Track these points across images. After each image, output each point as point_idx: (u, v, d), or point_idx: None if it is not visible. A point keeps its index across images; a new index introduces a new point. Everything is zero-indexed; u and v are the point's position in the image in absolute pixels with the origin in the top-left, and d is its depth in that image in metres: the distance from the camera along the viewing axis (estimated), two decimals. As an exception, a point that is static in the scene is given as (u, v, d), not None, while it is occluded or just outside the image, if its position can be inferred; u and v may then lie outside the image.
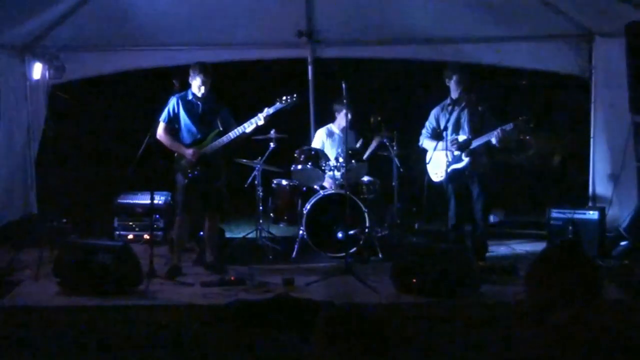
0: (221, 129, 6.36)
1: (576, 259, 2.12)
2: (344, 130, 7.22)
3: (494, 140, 6.28)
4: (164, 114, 6.33)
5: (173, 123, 6.37)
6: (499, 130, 6.21)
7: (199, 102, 6.34)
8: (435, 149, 6.43)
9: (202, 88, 6.26)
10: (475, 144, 6.37)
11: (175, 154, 6.39)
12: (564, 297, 2.05)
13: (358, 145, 7.31)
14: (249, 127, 6.23)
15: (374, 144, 7.31)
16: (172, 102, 6.32)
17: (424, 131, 6.73)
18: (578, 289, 2.06)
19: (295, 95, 6.35)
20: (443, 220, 6.53)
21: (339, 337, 1.82)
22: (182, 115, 6.34)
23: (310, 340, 1.92)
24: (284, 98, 6.30)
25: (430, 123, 6.69)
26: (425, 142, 6.68)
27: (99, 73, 8.33)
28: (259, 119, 6.22)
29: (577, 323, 2.02)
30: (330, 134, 7.40)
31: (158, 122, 6.31)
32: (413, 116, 7.65)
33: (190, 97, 6.34)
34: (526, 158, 11.99)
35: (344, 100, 6.43)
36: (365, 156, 7.11)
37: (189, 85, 6.35)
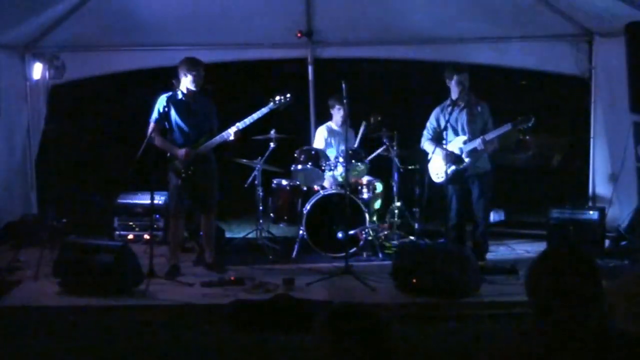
0: (214, 128, 6.31)
1: (576, 259, 2.12)
2: (342, 126, 7.23)
3: (478, 148, 6.29)
4: (154, 114, 6.21)
5: (163, 122, 6.24)
6: (480, 139, 6.24)
7: (189, 101, 6.23)
8: (434, 152, 6.45)
9: (195, 84, 6.15)
10: (464, 149, 6.38)
11: (168, 154, 6.29)
12: (564, 297, 2.05)
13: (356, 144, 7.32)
14: (242, 126, 6.17)
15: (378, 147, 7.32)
16: (161, 101, 6.18)
17: (425, 132, 6.73)
18: (578, 289, 2.06)
19: (288, 96, 6.25)
20: (443, 220, 6.52)
21: (338, 337, 1.82)
22: (173, 115, 6.22)
23: (309, 340, 1.92)
24: (277, 98, 6.23)
25: (430, 124, 6.68)
26: (426, 145, 6.68)
27: (99, 73, 8.32)
28: (252, 118, 6.16)
29: (577, 323, 2.02)
30: (331, 132, 7.40)
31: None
32: (413, 116, 7.65)
33: (180, 96, 6.21)
34: (526, 158, 12.00)
35: (344, 100, 6.42)
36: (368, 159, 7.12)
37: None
